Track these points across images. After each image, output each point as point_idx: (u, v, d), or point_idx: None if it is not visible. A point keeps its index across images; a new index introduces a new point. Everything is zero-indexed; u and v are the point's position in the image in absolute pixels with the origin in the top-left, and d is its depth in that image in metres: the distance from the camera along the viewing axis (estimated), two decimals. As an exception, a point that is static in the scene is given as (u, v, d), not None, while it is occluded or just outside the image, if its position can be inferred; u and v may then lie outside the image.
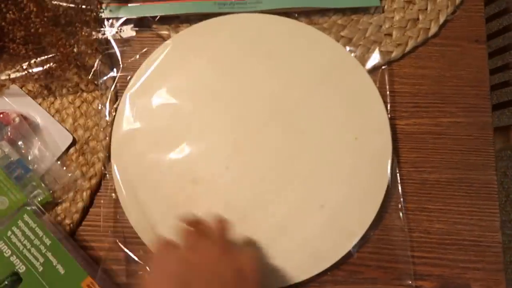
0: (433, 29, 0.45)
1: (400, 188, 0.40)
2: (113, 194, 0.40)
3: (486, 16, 0.46)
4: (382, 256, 0.40)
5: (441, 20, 0.45)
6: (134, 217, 0.40)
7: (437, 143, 0.42)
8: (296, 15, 0.44)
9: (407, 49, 0.45)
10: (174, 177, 0.40)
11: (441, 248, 0.40)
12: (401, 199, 0.40)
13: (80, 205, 0.41)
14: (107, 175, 0.42)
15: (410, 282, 0.39)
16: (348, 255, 0.39)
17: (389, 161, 0.40)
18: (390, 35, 0.45)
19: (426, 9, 0.46)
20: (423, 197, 0.41)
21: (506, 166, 0.79)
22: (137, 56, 0.44)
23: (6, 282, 0.37)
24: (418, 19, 0.45)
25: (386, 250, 0.40)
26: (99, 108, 0.43)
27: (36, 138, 0.42)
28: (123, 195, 0.40)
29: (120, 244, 0.39)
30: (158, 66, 0.42)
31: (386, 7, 0.46)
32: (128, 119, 0.42)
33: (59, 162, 0.42)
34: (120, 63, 0.44)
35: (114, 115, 0.43)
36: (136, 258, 0.39)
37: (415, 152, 0.42)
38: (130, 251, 0.40)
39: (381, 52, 0.44)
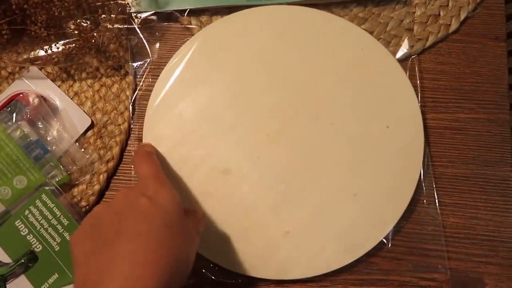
0: (454, 25, 0.45)
1: (433, 178, 0.41)
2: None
3: (506, 14, 0.46)
4: (412, 249, 0.40)
5: (462, 16, 0.45)
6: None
7: (455, 138, 0.42)
8: (319, 7, 0.45)
9: (427, 44, 0.45)
10: (205, 168, 0.40)
11: (456, 241, 0.40)
12: (434, 188, 0.41)
13: (97, 187, 0.41)
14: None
15: (436, 276, 0.39)
16: (381, 245, 0.39)
17: (421, 150, 0.40)
18: (411, 29, 0.45)
19: (448, 5, 0.46)
20: (440, 191, 0.41)
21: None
22: (161, 46, 0.44)
23: (22, 260, 0.37)
24: (439, 15, 0.46)
25: (415, 243, 0.40)
26: (119, 93, 0.43)
27: (55, 120, 0.42)
28: None
29: None
30: (188, 59, 0.42)
31: (407, 1, 0.46)
32: (159, 111, 0.42)
33: (77, 144, 0.42)
34: (148, 52, 0.44)
35: (133, 100, 0.43)
36: None
37: (433, 146, 0.42)
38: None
39: (401, 46, 0.44)
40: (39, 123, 0.41)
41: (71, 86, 0.44)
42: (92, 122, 0.43)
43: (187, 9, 0.44)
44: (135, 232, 0.29)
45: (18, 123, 0.40)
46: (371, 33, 0.45)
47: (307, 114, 0.41)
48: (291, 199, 0.40)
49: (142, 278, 0.27)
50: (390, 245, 0.40)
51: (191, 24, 0.45)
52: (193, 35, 0.44)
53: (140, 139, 0.42)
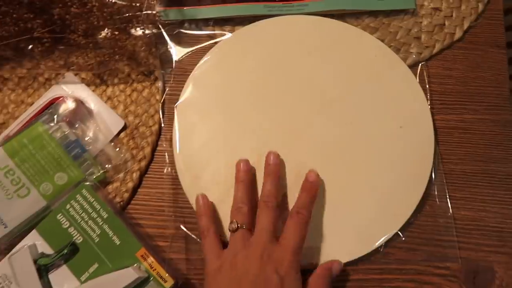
0: (458, 34, 0.49)
1: (444, 174, 0.44)
2: (171, 173, 0.44)
3: (506, 25, 0.50)
4: (426, 240, 0.43)
5: (465, 26, 0.49)
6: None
7: (462, 137, 0.46)
8: (334, 17, 0.48)
9: (434, 51, 0.48)
10: (232, 162, 0.43)
11: (466, 233, 0.43)
12: (445, 183, 0.44)
13: (130, 185, 0.44)
14: (167, 159, 0.45)
15: (449, 265, 0.42)
16: (396, 236, 0.42)
17: (432, 148, 0.43)
18: (418, 38, 0.49)
19: (452, 16, 0.50)
20: (450, 186, 0.44)
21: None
22: (187, 53, 0.48)
23: (65, 251, 0.39)
24: (444, 24, 0.49)
25: (429, 234, 0.43)
26: (149, 97, 0.47)
27: (91, 121, 0.45)
28: (186, 182, 0.43)
29: (183, 227, 0.43)
30: (213, 65, 0.46)
31: (415, 12, 0.50)
32: (187, 114, 0.45)
33: (112, 144, 0.45)
34: (172, 58, 0.47)
35: (162, 102, 0.46)
36: (198, 239, 0.43)
37: (442, 144, 0.45)
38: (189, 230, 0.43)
39: (410, 53, 0.48)
40: (77, 125, 0.44)
41: (104, 91, 0.47)
42: (125, 124, 0.46)
43: (212, 19, 0.48)
44: None
45: (59, 124, 0.42)
46: (382, 41, 0.48)
47: (326, 115, 0.45)
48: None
49: None
50: (404, 237, 0.43)
51: (215, 33, 0.48)
52: (217, 43, 0.47)
53: (169, 140, 0.45)
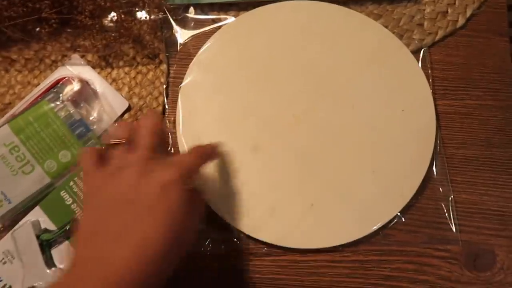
0: (461, 21, 0.49)
1: (445, 158, 0.44)
2: (173, 152, 0.44)
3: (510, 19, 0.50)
4: (426, 222, 0.43)
5: (468, 13, 0.50)
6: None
7: (464, 122, 0.46)
8: (338, 3, 0.49)
9: (437, 38, 0.49)
10: (235, 145, 0.44)
11: (468, 216, 0.43)
12: (446, 167, 0.44)
13: (133, 165, 0.44)
14: (171, 140, 0.45)
15: (449, 247, 0.42)
16: (397, 218, 0.42)
17: (434, 131, 0.44)
18: (421, 25, 0.49)
19: (455, 3, 0.50)
20: (452, 170, 0.44)
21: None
22: (192, 36, 0.48)
23: (68, 227, 0.40)
24: (447, 12, 0.50)
25: (430, 217, 0.43)
26: (154, 79, 0.47)
27: (96, 102, 0.45)
28: None
29: None
30: (217, 49, 0.47)
31: (418, 0, 0.50)
32: (190, 96, 0.45)
33: (116, 124, 0.45)
34: (177, 42, 0.48)
35: (167, 85, 0.47)
36: None
37: (444, 129, 0.46)
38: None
39: (413, 39, 0.48)
40: (82, 105, 0.45)
41: (110, 73, 0.48)
42: (129, 105, 0.46)
43: (217, 4, 0.49)
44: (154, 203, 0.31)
45: (64, 103, 0.43)
46: (385, 27, 0.49)
47: (329, 98, 0.45)
48: (315, 175, 0.43)
49: (157, 241, 0.30)
50: (405, 219, 0.43)
51: (220, 17, 0.49)
52: (221, 27, 0.48)
53: (173, 122, 0.46)
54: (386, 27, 0.49)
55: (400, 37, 0.48)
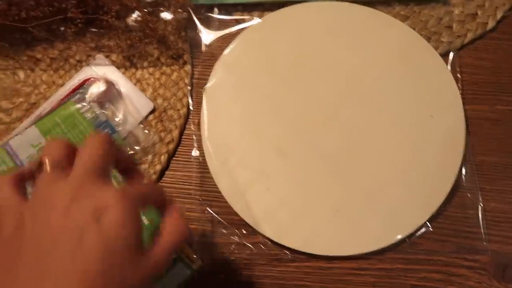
0: (491, 24, 0.48)
1: (474, 165, 0.43)
2: (199, 156, 0.44)
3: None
4: (455, 231, 0.42)
5: (499, 16, 0.48)
6: (225, 185, 0.43)
7: (493, 128, 0.45)
8: (365, 4, 0.48)
9: (466, 41, 0.48)
10: (262, 148, 0.43)
11: (496, 225, 0.42)
12: (476, 174, 0.43)
13: (158, 167, 0.44)
14: (195, 142, 0.45)
15: (478, 257, 0.41)
16: (425, 226, 0.41)
17: (463, 138, 0.43)
18: (450, 27, 0.48)
19: (484, 5, 0.49)
20: (481, 177, 0.43)
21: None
22: (216, 37, 0.48)
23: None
24: (476, 14, 0.49)
25: (458, 225, 0.42)
26: (178, 80, 0.47)
27: (121, 103, 0.45)
28: (213, 165, 0.43)
29: (209, 210, 0.43)
30: (242, 50, 0.46)
31: (446, 1, 0.49)
32: (216, 97, 0.45)
33: (141, 126, 0.45)
34: (201, 43, 0.48)
35: (191, 86, 0.47)
36: (225, 222, 0.43)
37: (473, 135, 0.45)
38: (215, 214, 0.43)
39: (441, 42, 0.47)
40: (107, 106, 0.45)
41: (134, 73, 0.48)
42: (154, 106, 0.46)
43: (241, 4, 0.48)
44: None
45: (90, 104, 0.43)
46: (413, 29, 0.48)
47: (356, 101, 0.44)
48: (341, 180, 0.42)
49: None
50: (433, 227, 0.42)
51: (244, 18, 0.48)
52: (246, 28, 0.47)
53: (197, 124, 0.45)
54: (414, 29, 0.48)
55: (428, 39, 0.47)
